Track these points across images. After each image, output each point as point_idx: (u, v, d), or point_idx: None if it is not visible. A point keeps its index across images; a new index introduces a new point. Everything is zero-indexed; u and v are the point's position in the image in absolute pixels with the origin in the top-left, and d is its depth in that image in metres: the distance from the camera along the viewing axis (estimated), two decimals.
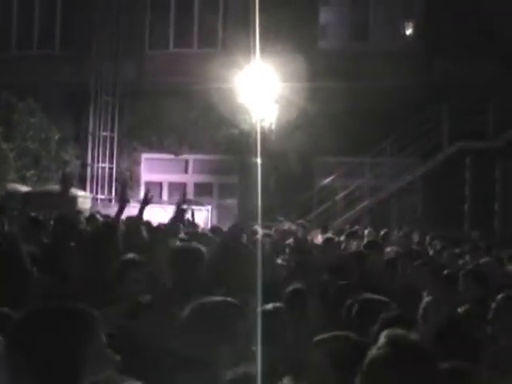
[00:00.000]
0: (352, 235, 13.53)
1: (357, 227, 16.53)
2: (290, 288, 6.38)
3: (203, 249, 6.28)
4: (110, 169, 26.58)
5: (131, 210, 9.09)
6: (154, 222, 11.61)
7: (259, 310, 4.95)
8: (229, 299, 4.00)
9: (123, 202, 8.39)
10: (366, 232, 15.62)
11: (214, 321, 3.75)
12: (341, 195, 25.07)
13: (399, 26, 26.54)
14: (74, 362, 2.73)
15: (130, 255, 6.47)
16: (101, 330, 2.86)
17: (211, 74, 23.01)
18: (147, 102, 25.27)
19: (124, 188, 10.85)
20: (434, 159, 24.40)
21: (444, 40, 24.02)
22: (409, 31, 26.48)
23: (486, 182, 24.09)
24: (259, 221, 10.40)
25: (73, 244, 8.13)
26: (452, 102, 23.31)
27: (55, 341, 2.77)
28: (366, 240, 12.98)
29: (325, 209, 24.85)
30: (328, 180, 25.11)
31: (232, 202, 25.19)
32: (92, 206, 22.01)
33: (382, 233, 15.52)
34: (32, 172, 23.28)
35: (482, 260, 10.49)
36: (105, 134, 26.42)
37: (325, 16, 26.43)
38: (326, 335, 3.76)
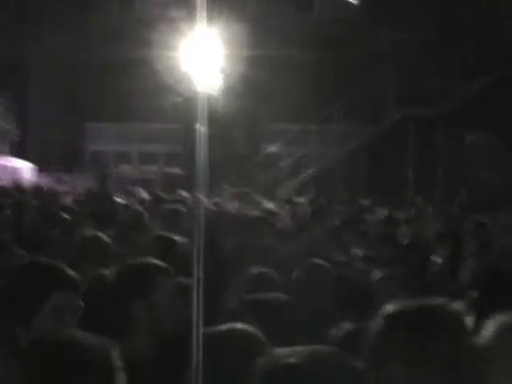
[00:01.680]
0: (288, 202, 13.60)
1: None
2: None
3: None
4: (54, 139, 26.26)
5: None
6: None
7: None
8: None
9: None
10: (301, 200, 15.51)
11: None
12: (286, 162, 25.14)
13: None
14: None
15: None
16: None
17: (154, 41, 22.80)
18: (90, 72, 24.99)
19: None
20: (379, 126, 24.58)
21: (388, 7, 24.11)
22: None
23: (428, 149, 24.36)
24: (204, 189, 10.38)
25: None
26: (396, 70, 23.48)
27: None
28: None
29: (270, 176, 24.90)
30: (273, 147, 25.15)
31: (177, 171, 25.11)
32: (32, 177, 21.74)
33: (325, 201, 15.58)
34: None
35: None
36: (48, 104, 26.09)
37: None
38: None
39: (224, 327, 3.41)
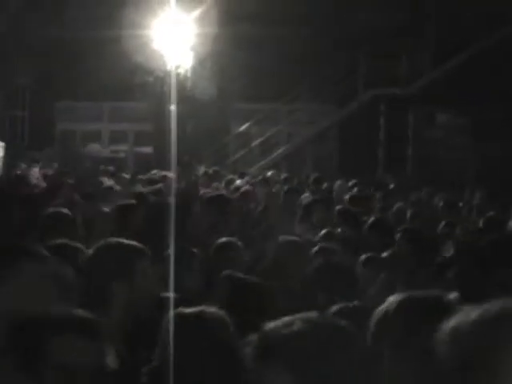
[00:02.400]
0: (263, 182, 13.60)
1: (270, 173, 16.52)
2: None
3: None
4: (23, 117, 26.09)
5: None
6: None
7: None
8: None
9: None
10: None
11: None
12: (257, 142, 25.16)
13: None
14: None
15: None
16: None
17: (125, 20, 22.65)
18: (60, 50, 24.77)
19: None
20: (349, 106, 24.64)
21: None
22: None
23: (399, 128, 24.48)
24: (175, 168, 10.36)
25: None
26: (366, 49, 23.52)
27: None
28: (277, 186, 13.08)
29: (241, 155, 24.93)
30: (244, 127, 25.15)
31: (148, 149, 25.03)
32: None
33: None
34: None
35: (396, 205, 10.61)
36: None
37: None
38: None
39: (196, 310, 3.44)
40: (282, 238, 6.18)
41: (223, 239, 6.12)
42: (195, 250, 5.68)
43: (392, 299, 2.53)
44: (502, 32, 23.00)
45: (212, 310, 3.46)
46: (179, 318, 3.40)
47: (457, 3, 23.07)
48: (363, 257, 5.91)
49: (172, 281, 4.01)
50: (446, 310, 2.27)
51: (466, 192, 14.86)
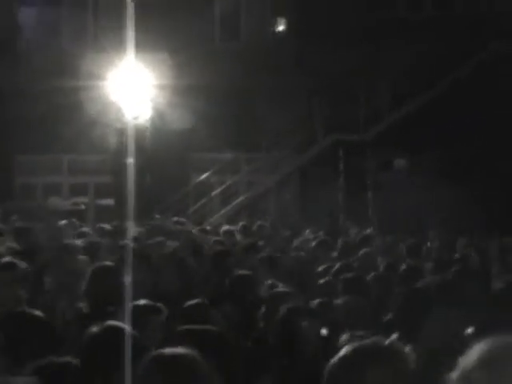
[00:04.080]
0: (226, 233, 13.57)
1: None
2: None
3: None
4: None
5: None
6: None
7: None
8: None
9: None
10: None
11: None
12: (217, 191, 25.16)
13: (271, 23, 26.72)
14: None
15: None
16: None
17: (83, 71, 22.66)
18: (17, 102, 24.67)
19: None
20: (309, 152, 24.78)
21: (315, 35, 24.36)
22: (281, 28, 26.73)
23: (358, 173, 24.63)
24: (134, 220, 10.29)
25: None
26: (325, 96, 23.73)
27: None
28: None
29: (201, 205, 24.89)
30: (204, 176, 25.15)
31: (108, 201, 24.90)
32: None
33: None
34: None
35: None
36: None
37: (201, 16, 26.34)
38: None
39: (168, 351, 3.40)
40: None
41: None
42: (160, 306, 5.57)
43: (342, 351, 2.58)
44: (459, 74, 23.37)
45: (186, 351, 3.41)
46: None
47: (416, 53, 23.39)
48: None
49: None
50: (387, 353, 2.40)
51: (428, 235, 14.98)
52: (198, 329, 4.22)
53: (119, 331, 3.83)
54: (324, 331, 4.93)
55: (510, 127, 22.01)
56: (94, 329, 3.86)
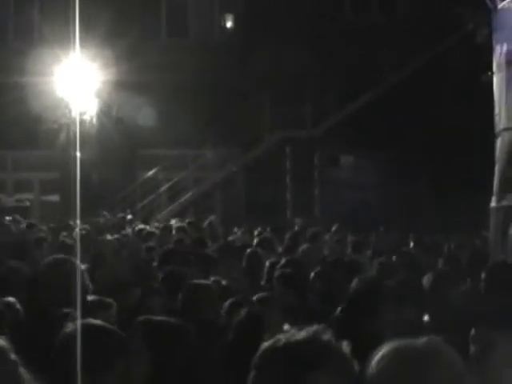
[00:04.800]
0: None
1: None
2: None
3: None
4: None
5: None
6: None
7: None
8: None
9: None
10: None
11: None
12: (164, 188, 25.10)
13: (219, 19, 26.71)
14: None
15: None
16: None
17: (28, 67, 22.43)
18: None
19: None
20: (256, 149, 24.84)
21: (262, 32, 24.41)
22: (228, 24, 26.73)
23: (305, 170, 24.75)
24: (79, 216, 10.24)
25: None
26: (272, 93, 23.80)
27: None
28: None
29: (149, 202, 24.81)
30: (151, 173, 25.07)
31: (54, 198, 24.71)
32: None
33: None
34: None
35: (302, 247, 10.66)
36: None
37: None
38: None
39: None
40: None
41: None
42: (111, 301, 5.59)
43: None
44: (405, 73, 23.60)
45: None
46: None
47: (359, 45, 23.59)
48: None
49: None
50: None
51: (373, 232, 15.12)
52: (155, 320, 4.22)
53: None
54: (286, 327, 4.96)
55: (456, 125, 22.30)
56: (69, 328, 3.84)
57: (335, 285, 7.21)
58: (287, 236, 12.38)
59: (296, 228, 15.77)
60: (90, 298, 5.27)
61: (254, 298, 5.97)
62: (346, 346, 2.46)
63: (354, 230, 15.00)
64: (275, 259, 8.58)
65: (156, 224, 15.94)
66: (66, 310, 4.92)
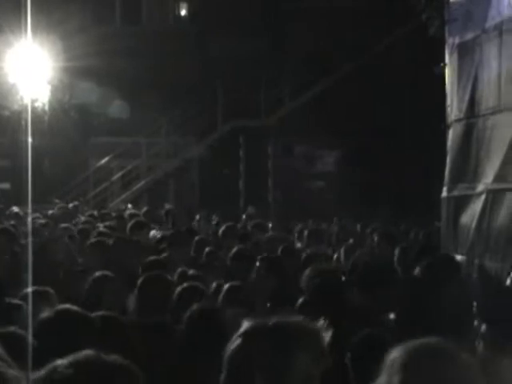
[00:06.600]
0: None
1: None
2: None
3: None
4: None
5: None
6: None
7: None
8: None
9: None
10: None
11: None
12: (117, 176, 24.97)
13: (173, 7, 26.61)
14: None
15: None
16: None
17: None
18: None
19: None
20: (209, 138, 24.81)
21: (217, 20, 24.36)
22: (183, 12, 26.64)
23: (259, 159, 24.79)
24: (31, 204, 10.13)
25: None
26: (225, 82, 23.76)
27: None
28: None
29: (101, 190, 24.67)
30: (104, 161, 24.91)
31: (5, 185, 24.41)
32: None
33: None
34: None
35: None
36: None
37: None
38: None
39: None
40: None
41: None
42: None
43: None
44: (360, 61, 23.66)
45: None
46: None
47: (314, 34, 23.64)
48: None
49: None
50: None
51: (331, 221, 15.21)
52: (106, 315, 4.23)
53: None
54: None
55: (410, 115, 22.48)
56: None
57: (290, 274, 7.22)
58: (240, 225, 12.40)
59: (249, 217, 15.79)
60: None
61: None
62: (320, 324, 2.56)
63: (309, 218, 15.07)
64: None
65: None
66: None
